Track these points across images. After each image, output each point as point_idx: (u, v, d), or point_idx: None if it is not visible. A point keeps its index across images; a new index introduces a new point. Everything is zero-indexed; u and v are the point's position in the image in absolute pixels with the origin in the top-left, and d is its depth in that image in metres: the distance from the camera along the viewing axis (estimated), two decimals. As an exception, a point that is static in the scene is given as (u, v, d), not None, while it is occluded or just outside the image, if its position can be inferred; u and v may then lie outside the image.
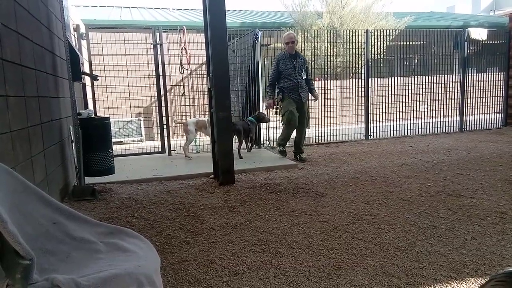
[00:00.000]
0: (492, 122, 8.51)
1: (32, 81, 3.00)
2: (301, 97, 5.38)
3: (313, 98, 5.74)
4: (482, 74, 8.64)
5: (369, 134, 7.60)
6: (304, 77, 5.45)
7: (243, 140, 6.05)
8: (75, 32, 5.63)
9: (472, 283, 2.06)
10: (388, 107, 8.17)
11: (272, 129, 7.35)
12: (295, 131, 5.55)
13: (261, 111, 6.64)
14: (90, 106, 6.18)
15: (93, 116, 4.51)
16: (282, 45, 5.56)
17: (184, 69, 6.64)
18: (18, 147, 2.57)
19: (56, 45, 3.95)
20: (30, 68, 2.97)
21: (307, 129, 5.82)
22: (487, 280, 1.12)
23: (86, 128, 4.01)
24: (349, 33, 7.63)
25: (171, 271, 2.29)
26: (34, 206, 1.55)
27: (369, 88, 7.56)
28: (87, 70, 5.98)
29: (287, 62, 5.35)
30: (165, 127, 6.41)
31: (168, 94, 6.67)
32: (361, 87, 7.77)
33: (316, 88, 5.86)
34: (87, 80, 6.02)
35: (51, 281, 1.19)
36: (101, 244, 1.55)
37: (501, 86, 8.65)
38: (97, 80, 5.16)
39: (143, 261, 1.40)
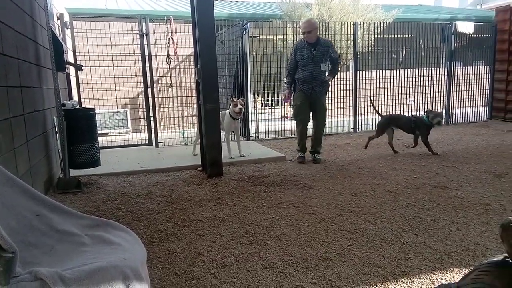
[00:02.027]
0: (478, 115, 8.64)
1: (14, 71, 2.92)
2: (314, 90, 4.82)
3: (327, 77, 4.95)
4: (469, 67, 8.74)
5: (357, 126, 7.64)
6: (325, 68, 4.82)
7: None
8: (59, 21, 5.50)
9: (456, 273, 2.10)
10: (376, 100, 8.21)
11: (260, 121, 7.35)
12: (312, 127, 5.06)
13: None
14: (75, 97, 6.07)
15: (77, 107, 4.43)
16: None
17: (171, 60, 6.56)
18: (1, 138, 2.51)
19: (39, 34, 3.85)
20: (13, 57, 2.89)
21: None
22: (470, 270, 1.13)
23: (71, 119, 3.95)
24: (338, 25, 7.62)
25: (158, 264, 2.28)
26: (17, 199, 1.52)
27: (357, 80, 7.58)
28: (71, 60, 5.86)
29: (304, 52, 4.76)
30: (152, 118, 6.34)
31: (155, 85, 6.59)
32: (349, 80, 7.79)
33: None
34: (72, 70, 5.91)
35: (34, 274, 1.17)
36: (86, 236, 1.53)
37: (487, 80, 8.76)
38: (82, 70, 5.06)
39: (128, 254, 1.38)
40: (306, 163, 4.92)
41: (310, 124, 5.10)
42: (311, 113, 5.02)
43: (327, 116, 5.08)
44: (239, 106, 5.00)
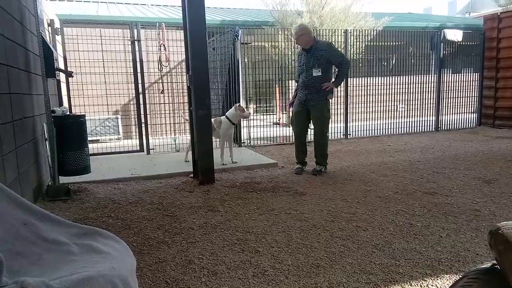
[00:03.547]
0: (467, 121, 8.74)
1: (3, 77, 2.89)
2: (307, 98, 4.59)
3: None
4: (458, 74, 8.85)
5: (348, 133, 7.68)
6: (318, 74, 4.49)
7: None
8: (50, 27, 5.47)
9: (447, 280, 2.10)
10: (366, 107, 8.28)
11: (253, 128, 7.35)
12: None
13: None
14: (65, 104, 6.02)
15: (67, 113, 4.40)
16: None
17: (163, 66, 6.55)
18: (-12, 145, 2.48)
19: (29, 40, 3.82)
20: (2, 64, 2.87)
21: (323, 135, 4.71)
22: (460, 277, 1.13)
23: (61, 126, 3.91)
24: (329, 32, 7.69)
25: (148, 272, 2.25)
26: (3, 207, 1.49)
27: (348, 87, 7.64)
28: (62, 66, 5.83)
29: (302, 58, 4.65)
30: (143, 125, 6.31)
31: (146, 91, 6.57)
32: (340, 87, 7.83)
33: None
34: (62, 76, 5.87)
35: (21, 284, 1.14)
36: (74, 245, 1.51)
37: (476, 87, 8.88)
38: (72, 76, 5.03)
39: (117, 263, 1.36)
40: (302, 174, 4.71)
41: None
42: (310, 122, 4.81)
43: (327, 125, 4.68)
44: (247, 111, 5.23)
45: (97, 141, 7.47)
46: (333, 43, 7.75)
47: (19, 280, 1.16)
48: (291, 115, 5.22)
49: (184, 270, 2.27)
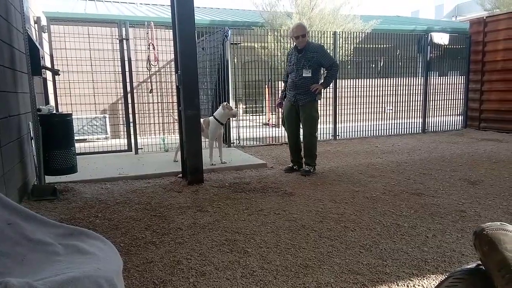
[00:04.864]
0: (453, 124, 8.87)
1: (-13, 75, 2.84)
2: (296, 98, 4.63)
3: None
4: (444, 77, 8.97)
5: (337, 134, 7.73)
6: (308, 74, 4.52)
7: None
8: (36, 25, 5.39)
9: (433, 280, 2.13)
10: (355, 108, 8.35)
11: (242, 128, 7.34)
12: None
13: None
14: (52, 102, 5.94)
15: (54, 112, 4.34)
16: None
17: (151, 66, 6.51)
18: (-29, 144, 2.43)
19: (15, 38, 3.75)
20: (-14, 60, 2.81)
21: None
22: (446, 277, 1.15)
23: (47, 125, 3.85)
24: (318, 34, 7.73)
25: (135, 273, 2.23)
26: (-13, 207, 1.46)
27: (337, 89, 7.69)
28: (48, 64, 5.74)
29: (292, 58, 4.65)
30: (131, 124, 6.25)
31: (135, 91, 6.51)
32: (329, 88, 7.88)
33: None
34: (49, 74, 5.79)
35: (4, 285, 1.12)
36: (59, 246, 1.48)
37: (462, 90, 9.02)
38: (58, 74, 4.96)
39: (103, 264, 1.34)
40: (291, 172, 4.76)
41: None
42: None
43: (315, 126, 4.70)
44: (235, 109, 5.19)
45: (84, 140, 7.38)
46: (322, 44, 7.82)
47: (3, 280, 1.13)
48: (281, 115, 5.23)
49: (172, 270, 2.26)
